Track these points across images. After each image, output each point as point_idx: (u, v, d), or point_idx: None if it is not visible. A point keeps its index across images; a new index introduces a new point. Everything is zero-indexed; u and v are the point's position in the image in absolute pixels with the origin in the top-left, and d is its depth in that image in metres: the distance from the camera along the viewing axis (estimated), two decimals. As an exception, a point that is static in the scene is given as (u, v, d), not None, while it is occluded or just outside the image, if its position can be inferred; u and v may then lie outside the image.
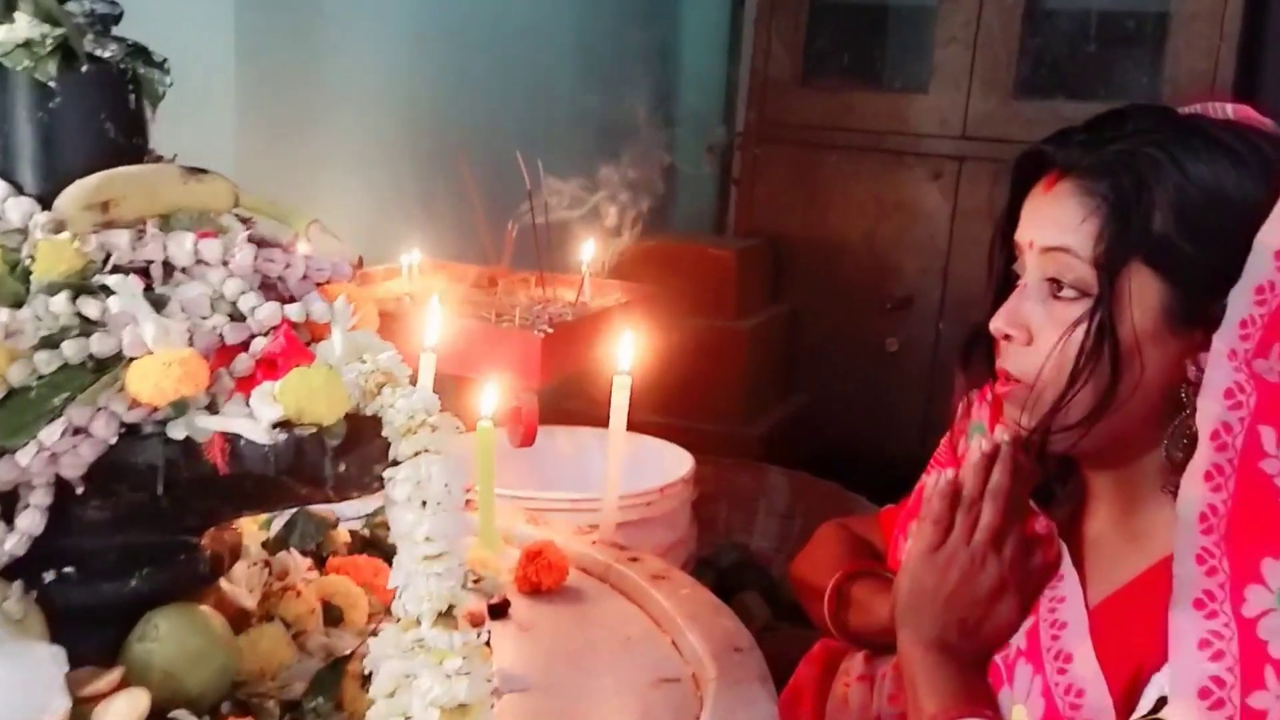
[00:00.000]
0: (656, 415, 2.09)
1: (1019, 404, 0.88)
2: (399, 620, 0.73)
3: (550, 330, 1.48)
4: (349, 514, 1.13)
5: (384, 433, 0.72)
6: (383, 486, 0.72)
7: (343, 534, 1.09)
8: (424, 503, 0.71)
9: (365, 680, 0.77)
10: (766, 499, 2.13)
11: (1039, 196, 0.87)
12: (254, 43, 1.50)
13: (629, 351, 1.21)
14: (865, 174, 2.67)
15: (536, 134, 2.13)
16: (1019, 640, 0.89)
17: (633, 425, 1.28)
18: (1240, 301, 0.78)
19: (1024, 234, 0.87)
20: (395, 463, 0.72)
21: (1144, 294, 0.82)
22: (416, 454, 0.71)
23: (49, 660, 0.58)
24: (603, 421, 1.30)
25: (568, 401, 2.09)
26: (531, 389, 1.47)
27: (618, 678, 0.91)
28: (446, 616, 0.72)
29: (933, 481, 0.90)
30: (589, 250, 1.74)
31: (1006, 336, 0.88)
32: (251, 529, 1.04)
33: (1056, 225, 0.84)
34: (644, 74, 2.70)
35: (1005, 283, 0.91)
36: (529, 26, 2.21)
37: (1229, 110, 0.88)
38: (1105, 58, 2.52)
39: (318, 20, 1.69)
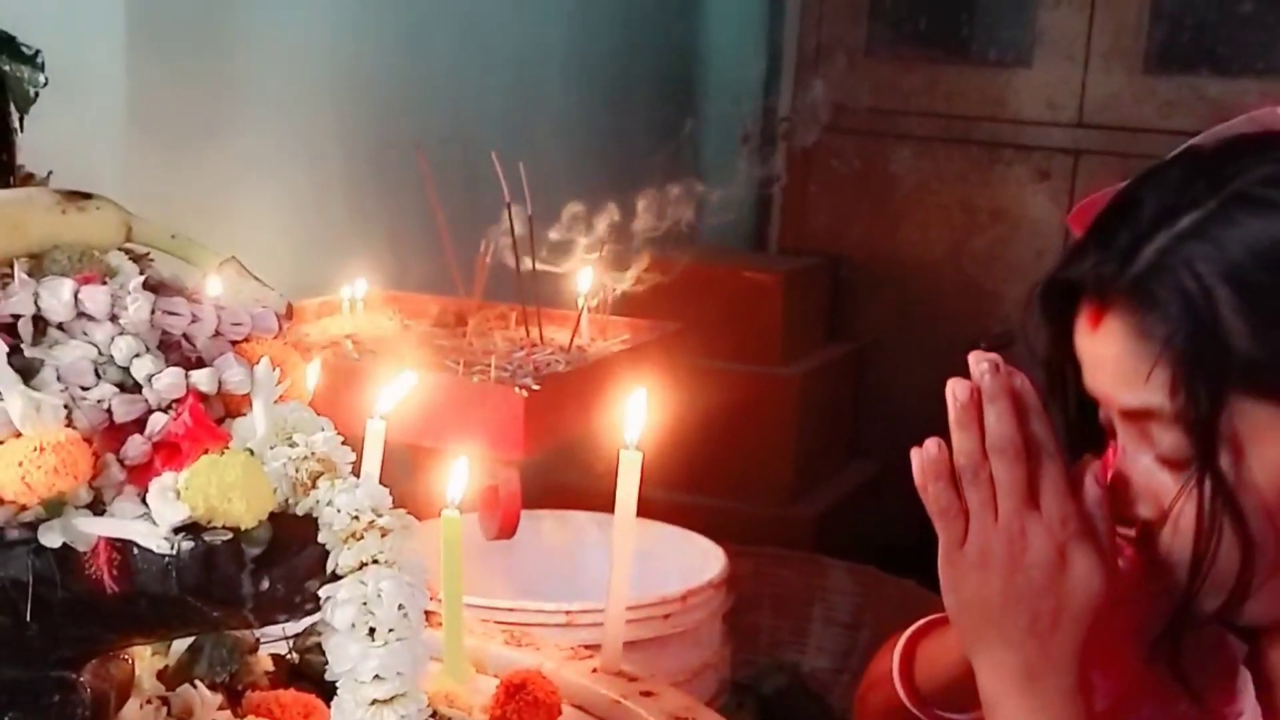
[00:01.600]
0: (678, 493, 2.10)
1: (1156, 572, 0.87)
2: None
3: (536, 386, 1.49)
4: (272, 634, 1.14)
5: (320, 538, 0.73)
6: (318, 608, 0.73)
7: (264, 660, 1.09)
8: (372, 630, 0.72)
9: None
10: (823, 603, 2.14)
11: (1087, 336, 0.85)
12: (149, 19, 1.53)
13: (640, 417, 1.22)
14: (950, 172, 2.69)
15: (519, 125, 2.15)
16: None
17: (646, 509, 1.29)
18: None
19: (1092, 385, 0.87)
20: (335, 577, 0.73)
21: (1260, 430, 0.80)
22: (362, 565, 0.72)
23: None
24: (606, 504, 1.31)
25: (559, 476, 2.10)
26: (512, 463, 1.49)
27: None
28: (401, 779, 0.73)
29: (917, 464, 0.87)
30: (587, 278, 1.75)
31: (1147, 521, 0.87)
32: (144, 655, 1.05)
33: (1124, 382, 0.83)
34: (658, 42, 2.73)
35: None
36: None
37: None
38: (1262, 19, 2.54)
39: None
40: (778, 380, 2.45)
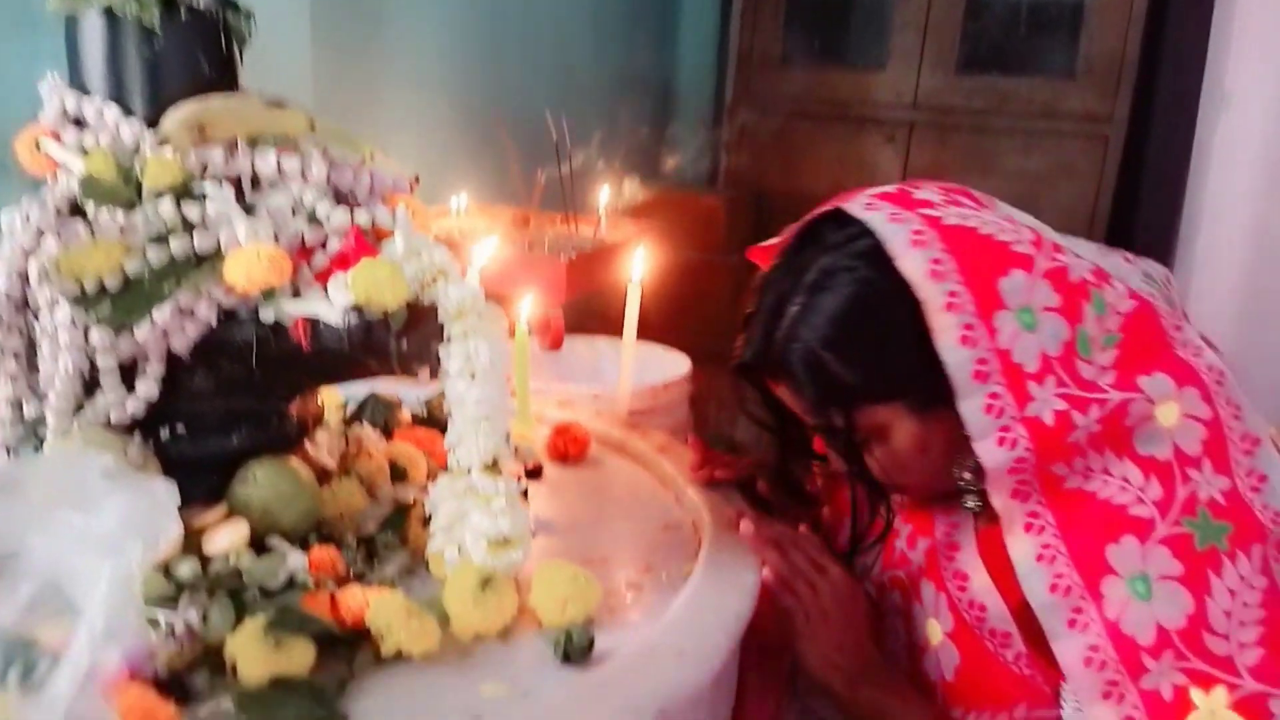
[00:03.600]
0: (659, 334, 2.07)
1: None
2: (454, 471, 0.73)
3: (574, 255, 1.45)
4: (410, 398, 1.11)
5: (439, 317, 0.70)
6: (439, 362, 0.71)
7: (405, 414, 1.07)
8: (473, 374, 0.70)
9: (426, 522, 0.76)
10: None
11: (773, 389, 0.83)
12: (328, 25, 1.45)
13: (640, 264, 1.18)
14: (832, 138, 2.61)
15: (558, 104, 2.08)
16: (918, 558, 0.84)
17: (644, 336, 1.26)
18: (971, 400, 0.70)
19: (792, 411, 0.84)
20: (449, 340, 0.70)
21: (888, 419, 0.77)
22: (466, 333, 0.70)
23: (163, 491, 0.56)
24: (615, 332, 1.27)
25: (588, 321, 2.07)
26: (558, 305, 1.45)
27: (632, 525, 0.90)
28: (492, 467, 0.71)
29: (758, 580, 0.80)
30: (605, 195, 1.70)
31: None
32: (332, 408, 1.03)
33: (802, 413, 0.81)
34: (649, 55, 2.63)
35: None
36: (551, 11, 2.15)
37: (846, 206, 0.79)
38: (1032, 39, 2.45)
39: (381, 6, 1.64)
40: (721, 264, 2.41)
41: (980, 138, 2.44)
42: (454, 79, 1.87)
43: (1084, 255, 0.77)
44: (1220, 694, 0.64)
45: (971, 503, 0.80)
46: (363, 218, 0.72)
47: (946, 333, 0.70)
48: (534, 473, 1.00)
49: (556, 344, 1.45)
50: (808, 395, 0.78)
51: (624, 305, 1.23)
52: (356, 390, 1.07)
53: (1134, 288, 0.75)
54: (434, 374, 0.72)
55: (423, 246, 0.72)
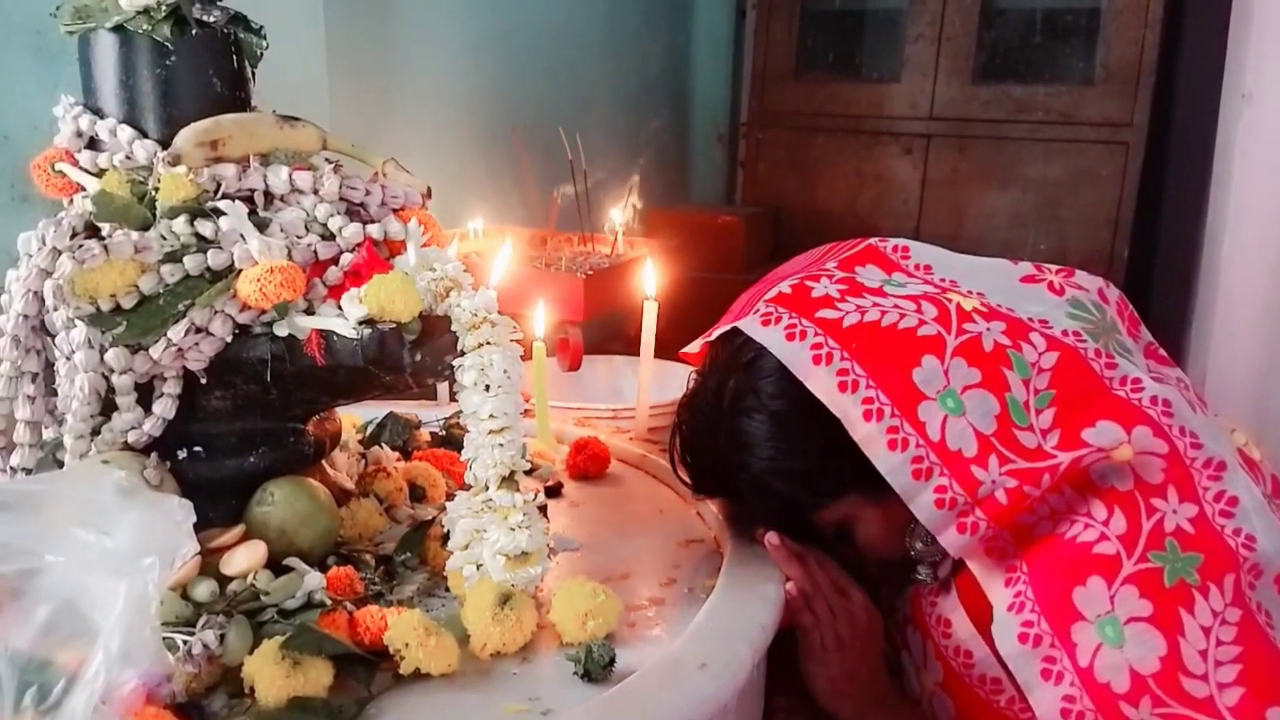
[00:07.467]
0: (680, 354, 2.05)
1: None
2: (470, 487, 0.72)
3: (590, 273, 1.44)
4: (429, 419, 1.11)
5: (453, 328, 0.70)
6: (453, 374, 0.70)
7: (424, 434, 1.07)
8: (487, 386, 0.69)
9: (444, 540, 0.75)
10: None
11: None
12: (343, 44, 1.46)
13: (653, 279, 1.17)
14: (848, 152, 2.60)
15: (573, 123, 2.09)
16: (904, 607, 0.83)
17: (660, 355, 1.25)
18: (919, 499, 0.70)
19: None
20: (463, 353, 0.70)
21: (845, 509, 0.78)
22: (480, 345, 0.69)
23: (179, 509, 0.56)
24: (633, 352, 1.26)
25: (608, 345, 2.06)
26: (576, 323, 1.45)
27: (652, 540, 0.88)
28: (509, 481, 0.70)
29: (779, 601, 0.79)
30: (620, 214, 1.70)
31: None
32: (350, 430, 1.03)
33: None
34: (663, 73, 2.64)
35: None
36: (565, 33, 2.16)
37: (742, 325, 0.78)
38: (1048, 47, 2.44)
39: (396, 29, 1.65)
40: (743, 282, 2.38)
41: (999, 147, 2.42)
42: (467, 103, 1.88)
43: (1000, 300, 0.76)
44: None
45: (923, 573, 0.80)
46: (375, 230, 0.72)
47: (873, 443, 0.70)
48: (554, 490, 0.99)
49: (575, 364, 1.44)
50: (766, 513, 0.79)
51: (639, 331, 1.22)
52: (376, 412, 1.07)
53: (1054, 334, 0.74)
54: (452, 396, 0.72)
55: (435, 258, 0.72)
